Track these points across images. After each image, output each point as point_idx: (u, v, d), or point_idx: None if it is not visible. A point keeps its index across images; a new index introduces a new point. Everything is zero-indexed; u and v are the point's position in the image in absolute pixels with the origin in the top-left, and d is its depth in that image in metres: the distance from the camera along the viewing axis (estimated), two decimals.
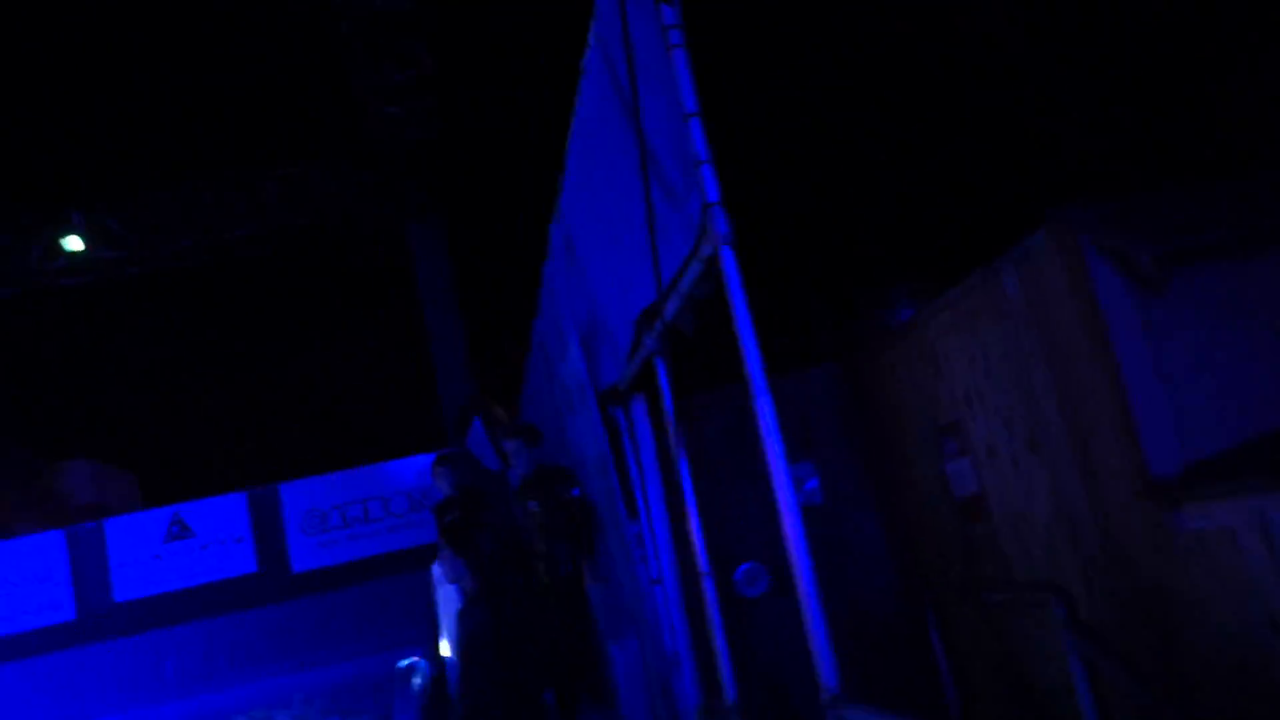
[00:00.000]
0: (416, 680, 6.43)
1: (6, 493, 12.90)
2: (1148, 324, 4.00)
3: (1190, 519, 3.83)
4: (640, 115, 3.81)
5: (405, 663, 7.02)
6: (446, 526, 5.95)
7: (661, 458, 4.94)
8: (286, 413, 12.78)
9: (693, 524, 4.46)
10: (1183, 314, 4.11)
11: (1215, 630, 3.75)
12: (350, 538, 11.25)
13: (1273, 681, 3.56)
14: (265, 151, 12.17)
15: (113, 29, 11.85)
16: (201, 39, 12.17)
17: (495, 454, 6.55)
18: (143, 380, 13.16)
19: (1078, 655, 4.31)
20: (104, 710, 10.01)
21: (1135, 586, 4.08)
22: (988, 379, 4.64)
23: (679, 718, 4.83)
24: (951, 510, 5.09)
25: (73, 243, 11.57)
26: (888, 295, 5.36)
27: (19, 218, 11.33)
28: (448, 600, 6.58)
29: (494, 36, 11.91)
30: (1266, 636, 3.56)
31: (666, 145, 3.62)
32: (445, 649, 6.70)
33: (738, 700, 4.19)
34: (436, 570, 5.76)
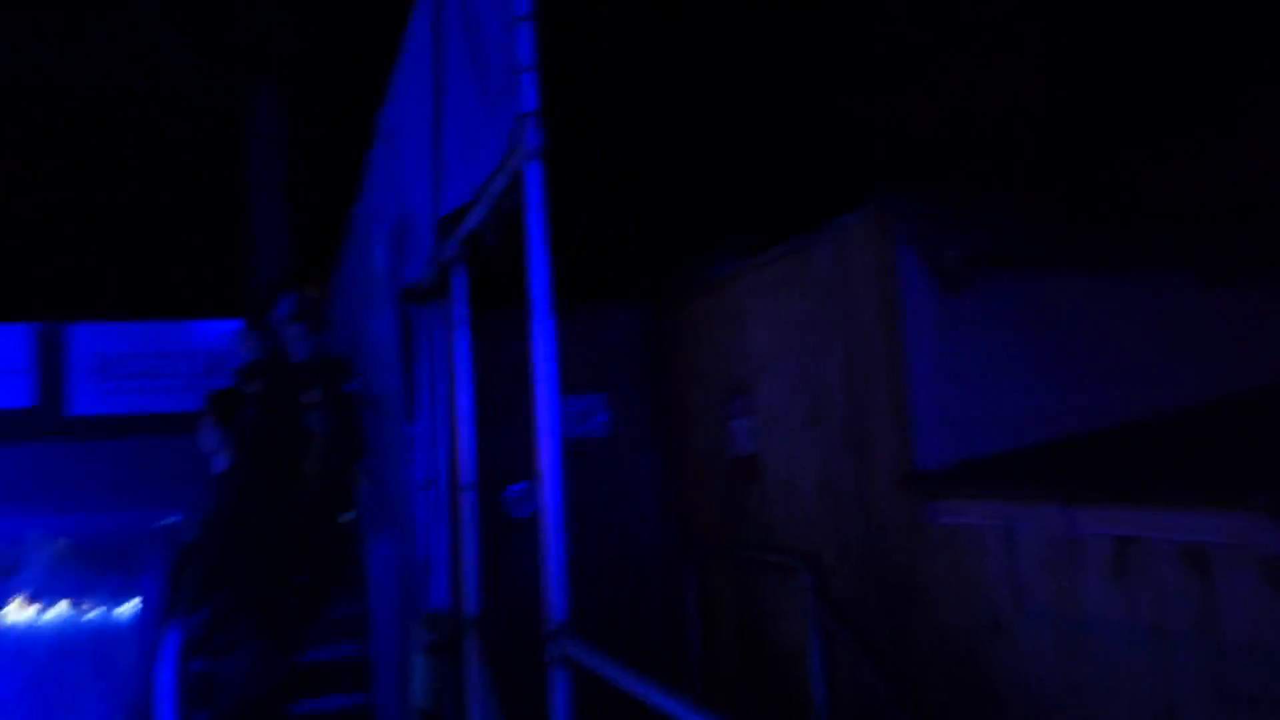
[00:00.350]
0: (174, 541, 6.19)
1: None
2: (943, 320, 4.06)
3: (944, 513, 3.94)
4: (476, 10, 3.61)
5: (166, 522, 6.75)
6: (219, 394, 5.69)
7: (450, 366, 4.80)
8: (91, 254, 12.08)
9: (464, 435, 4.36)
10: (979, 316, 4.18)
11: (946, 622, 3.88)
12: (137, 390, 10.77)
13: (985, 680, 3.71)
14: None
15: None
16: None
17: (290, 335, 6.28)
18: None
19: (818, 625, 4.43)
20: None
21: (886, 569, 4.18)
22: (783, 346, 4.66)
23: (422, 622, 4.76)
24: (727, 468, 5.13)
25: None
26: (707, 246, 5.32)
27: None
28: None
29: None
30: (987, 637, 3.71)
31: (497, 45, 3.45)
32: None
33: (478, 615, 4.14)
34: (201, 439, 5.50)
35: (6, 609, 7.70)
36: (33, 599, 7.83)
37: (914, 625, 4.06)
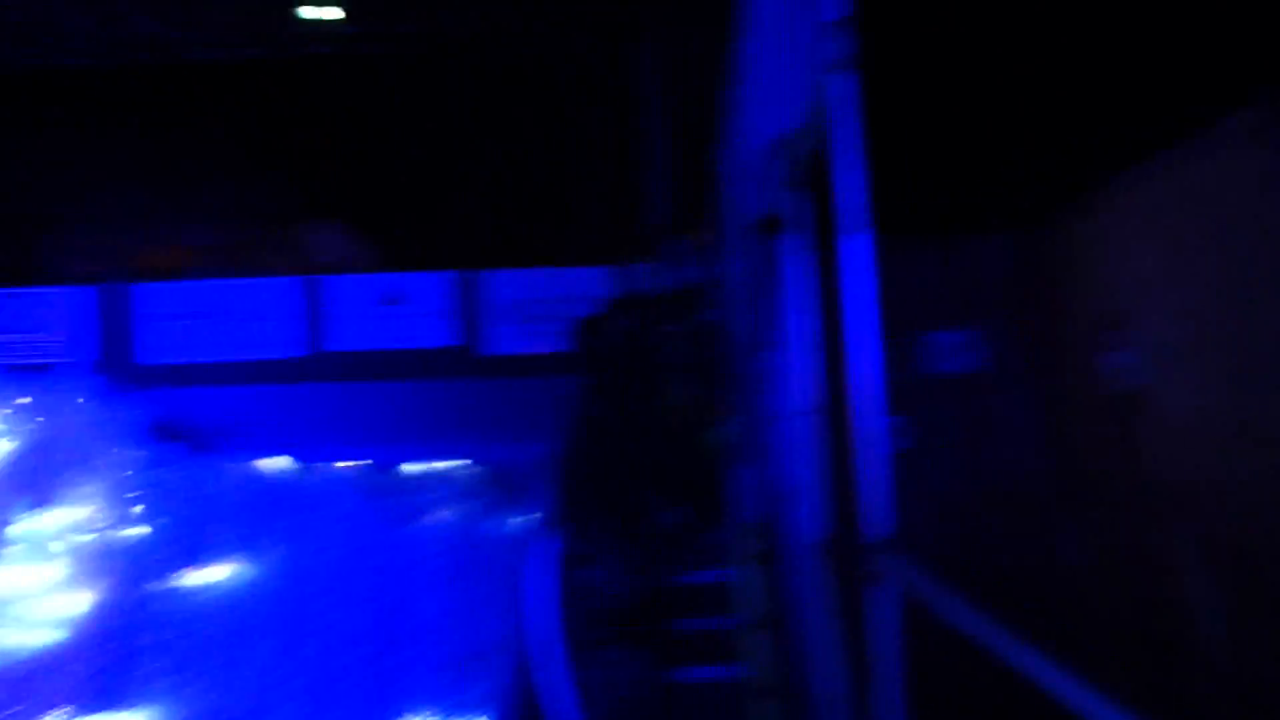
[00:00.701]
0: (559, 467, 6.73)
1: (256, 241, 13.96)
2: None
3: None
4: None
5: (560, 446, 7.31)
6: (586, 322, 6.04)
7: (796, 296, 4.75)
8: (503, 201, 13.18)
9: (813, 364, 4.31)
10: None
11: None
12: (547, 332, 11.60)
13: None
14: None
15: None
16: None
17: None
18: (397, 152, 13.80)
19: (1211, 575, 3.98)
20: (319, 440, 10.81)
21: None
22: (1166, 271, 4.18)
23: (788, 551, 4.80)
24: (1108, 404, 4.71)
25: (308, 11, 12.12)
26: (1075, 167, 4.86)
27: None
28: None
29: None
30: None
31: None
32: None
33: (824, 539, 4.10)
34: None
35: (423, 522, 8.69)
36: (444, 517, 8.79)
37: None
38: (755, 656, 5.20)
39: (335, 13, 12.25)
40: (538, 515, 6.61)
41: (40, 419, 9.44)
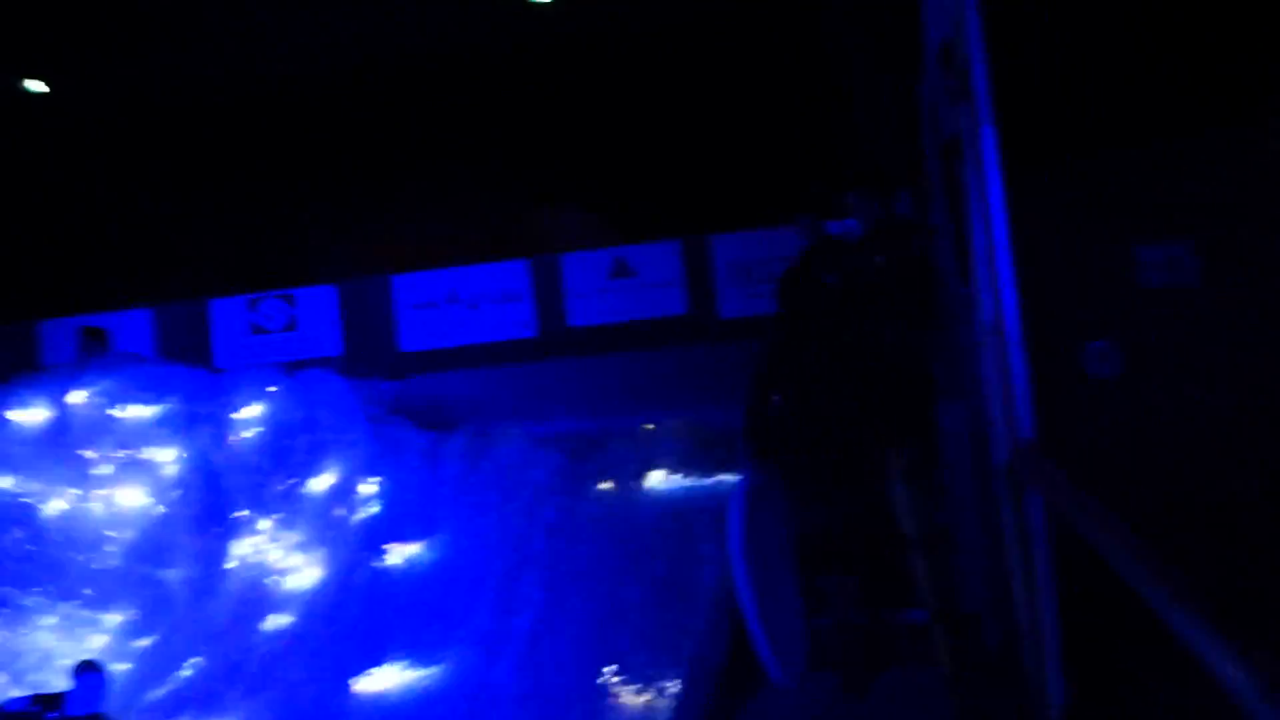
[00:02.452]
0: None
1: (490, 227, 14.63)
2: None
3: None
4: None
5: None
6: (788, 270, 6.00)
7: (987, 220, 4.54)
8: (718, 165, 13.16)
9: (1005, 292, 4.11)
10: None
11: None
12: (770, 292, 11.57)
13: None
14: None
15: None
16: None
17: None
18: (617, 128, 14.11)
19: None
20: (555, 415, 11.22)
21: None
22: None
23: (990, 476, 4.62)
24: None
25: None
26: None
27: None
28: None
29: None
30: None
31: None
32: None
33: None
34: None
35: (649, 478, 8.90)
36: (666, 472, 8.96)
37: None
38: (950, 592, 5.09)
39: None
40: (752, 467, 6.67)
41: (294, 405, 10.36)
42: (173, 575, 9.37)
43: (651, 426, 9.77)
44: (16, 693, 7.82)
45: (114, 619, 9.25)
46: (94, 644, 8.87)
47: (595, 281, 12.31)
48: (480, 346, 12.48)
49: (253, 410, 10.37)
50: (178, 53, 13.47)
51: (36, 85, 13.79)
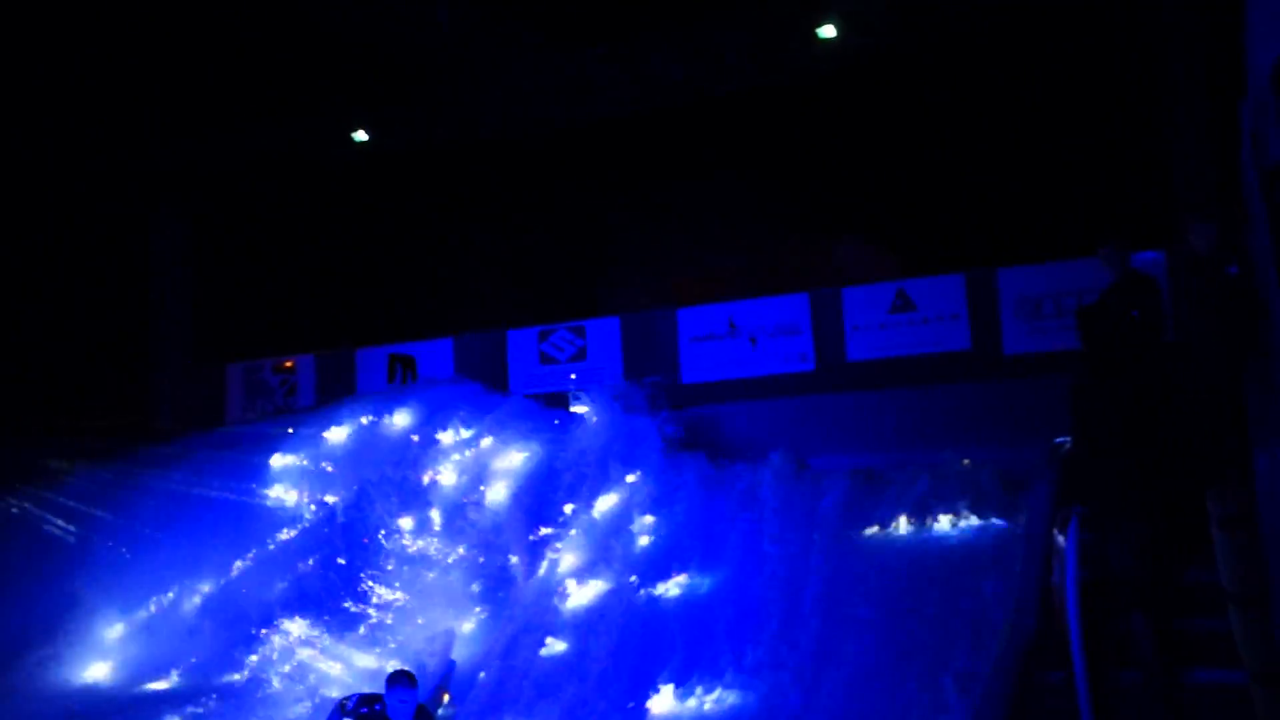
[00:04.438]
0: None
1: (771, 261, 14.80)
2: None
3: None
4: None
5: (1060, 440, 7.03)
6: (1084, 309, 5.78)
7: None
8: (1004, 196, 12.73)
9: None
10: None
11: None
12: (1061, 328, 11.06)
13: None
14: None
15: None
16: None
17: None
18: (899, 166, 13.97)
19: None
20: (829, 449, 11.18)
21: None
22: None
23: None
24: None
25: (826, 30, 12.49)
26: None
27: (775, 6, 12.43)
28: None
29: None
30: None
31: None
32: None
33: None
34: None
35: (929, 515, 8.67)
36: (947, 508, 8.71)
37: None
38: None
39: (831, 30, 12.61)
40: (1036, 503, 6.42)
41: (583, 433, 10.86)
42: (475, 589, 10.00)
43: (933, 464, 9.53)
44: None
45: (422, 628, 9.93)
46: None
47: (876, 315, 12.18)
48: (759, 379, 12.61)
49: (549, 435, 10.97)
50: (481, 98, 14.46)
51: (360, 135, 15.13)
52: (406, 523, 10.82)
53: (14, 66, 13.23)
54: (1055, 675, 5.99)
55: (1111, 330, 5.82)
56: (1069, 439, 6.38)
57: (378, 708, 7.74)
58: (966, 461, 9.19)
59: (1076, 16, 12.18)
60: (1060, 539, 5.37)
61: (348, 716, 7.80)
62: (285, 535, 11.17)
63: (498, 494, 10.66)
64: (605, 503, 10.23)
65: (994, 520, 8.30)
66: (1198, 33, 11.09)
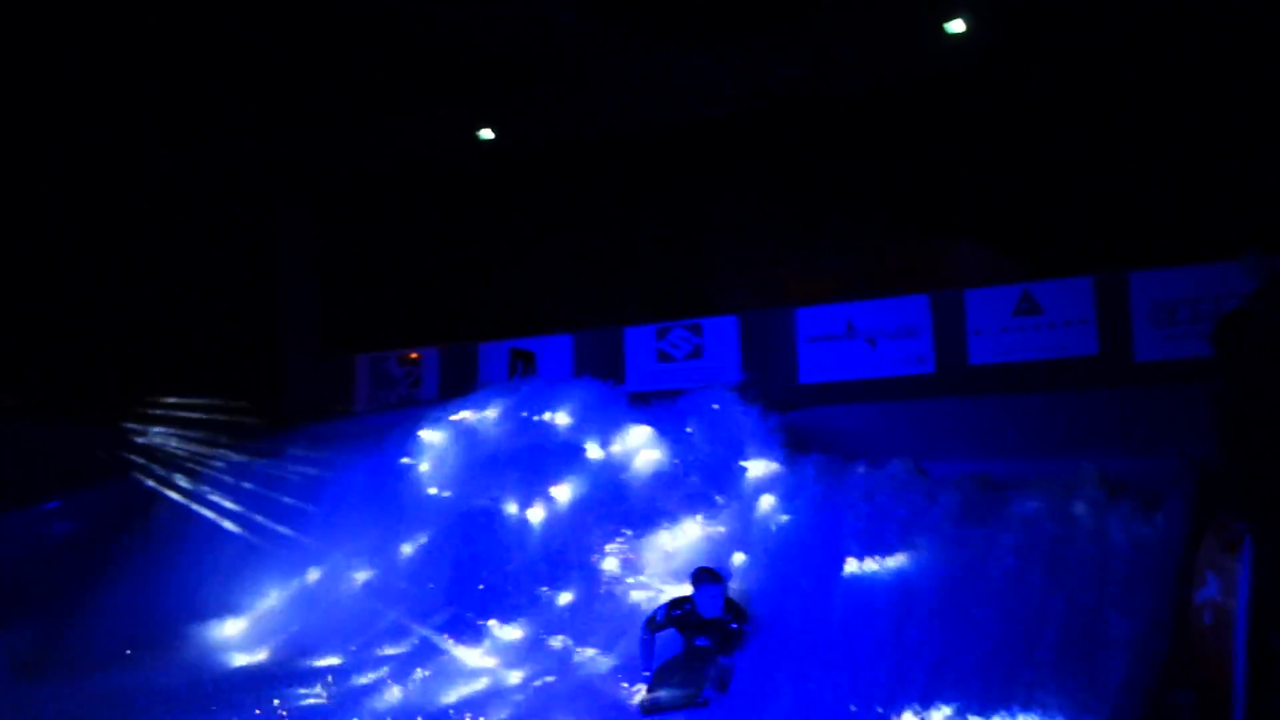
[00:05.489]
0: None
1: (892, 261, 14.62)
2: None
3: None
4: None
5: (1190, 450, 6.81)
6: (1226, 317, 5.58)
7: None
8: (1137, 196, 12.32)
9: None
10: None
11: None
12: (1198, 335, 10.64)
13: None
14: None
15: None
16: None
17: None
18: (1026, 164, 13.66)
19: None
20: (947, 456, 10.98)
21: None
22: None
23: None
24: None
25: (955, 25, 12.28)
26: None
27: (908, 3, 12.25)
28: None
29: None
30: None
31: None
32: None
33: None
34: None
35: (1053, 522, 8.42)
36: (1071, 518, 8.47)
37: None
38: None
39: (959, 25, 12.38)
40: (1171, 517, 6.22)
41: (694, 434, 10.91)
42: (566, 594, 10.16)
43: (1057, 472, 9.29)
44: None
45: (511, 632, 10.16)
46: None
47: (999, 318, 11.92)
48: (877, 381, 12.47)
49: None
50: (602, 96, 14.60)
51: (487, 133, 15.44)
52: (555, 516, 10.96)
53: (149, 74, 13.84)
54: (1185, 695, 5.83)
55: (1257, 340, 5.60)
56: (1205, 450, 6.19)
57: (688, 607, 8.16)
58: (1098, 469, 8.91)
59: (1223, 6, 11.73)
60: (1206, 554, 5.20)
61: (661, 627, 8.30)
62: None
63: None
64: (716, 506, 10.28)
65: (1122, 532, 8.06)
66: None
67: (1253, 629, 5.14)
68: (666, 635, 8.65)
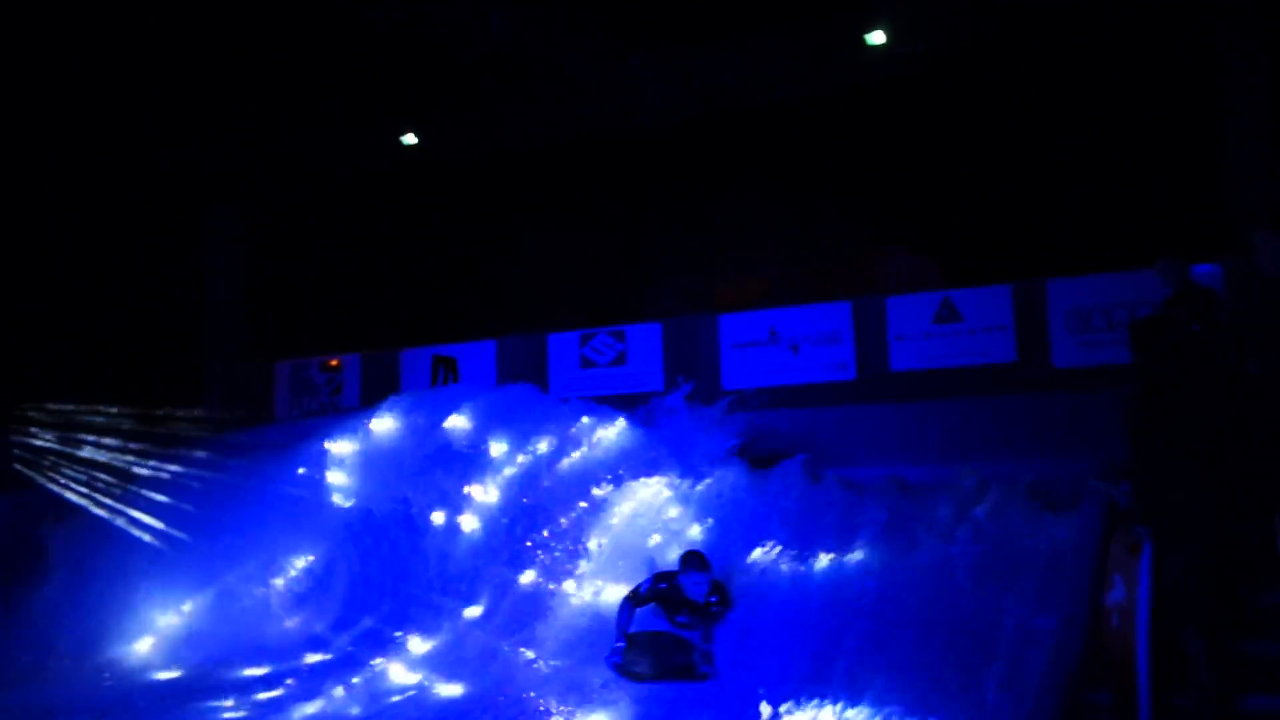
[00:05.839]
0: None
1: (814, 269, 14.73)
2: None
3: None
4: None
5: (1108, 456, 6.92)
6: (1140, 322, 5.69)
7: None
8: (1053, 205, 12.57)
9: None
10: None
11: None
12: (1113, 341, 10.90)
13: None
14: None
15: None
16: None
17: None
18: (947, 174, 13.83)
19: None
20: (871, 460, 11.07)
21: None
22: None
23: None
24: None
25: (875, 37, 12.44)
26: None
27: (829, 15, 12.38)
28: None
29: None
30: None
31: None
32: None
33: None
34: None
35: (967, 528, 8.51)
36: (984, 523, 8.57)
37: None
38: None
39: (880, 37, 12.55)
40: (1086, 516, 6.34)
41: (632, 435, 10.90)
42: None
43: (975, 477, 9.40)
44: None
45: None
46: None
47: (921, 325, 12.07)
48: (800, 387, 12.54)
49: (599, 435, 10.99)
50: (529, 103, 14.53)
51: (409, 138, 15.27)
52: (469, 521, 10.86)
53: (75, 73, 13.51)
54: (1102, 696, 5.92)
55: (1171, 344, 5.73)
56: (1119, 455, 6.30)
57: (673, 584, 8.49)
58: (1014, 474, 9.04)
59: (1131, 20, 12.02)
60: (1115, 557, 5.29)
61: (644, 601, 8.24)
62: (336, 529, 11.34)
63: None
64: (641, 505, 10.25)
65: (1037, 535, 8.17)
66: (1255, 33, 10.93)
67: (1154, 630, 5.23)
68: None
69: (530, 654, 9.25)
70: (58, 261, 16.04)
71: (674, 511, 10.00)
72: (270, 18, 12.70)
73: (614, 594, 9.24)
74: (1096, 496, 6.71)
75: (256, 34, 13.03)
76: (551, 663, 9.07)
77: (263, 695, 9.31)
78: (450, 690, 9.08)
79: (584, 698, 8.34)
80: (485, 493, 10.95)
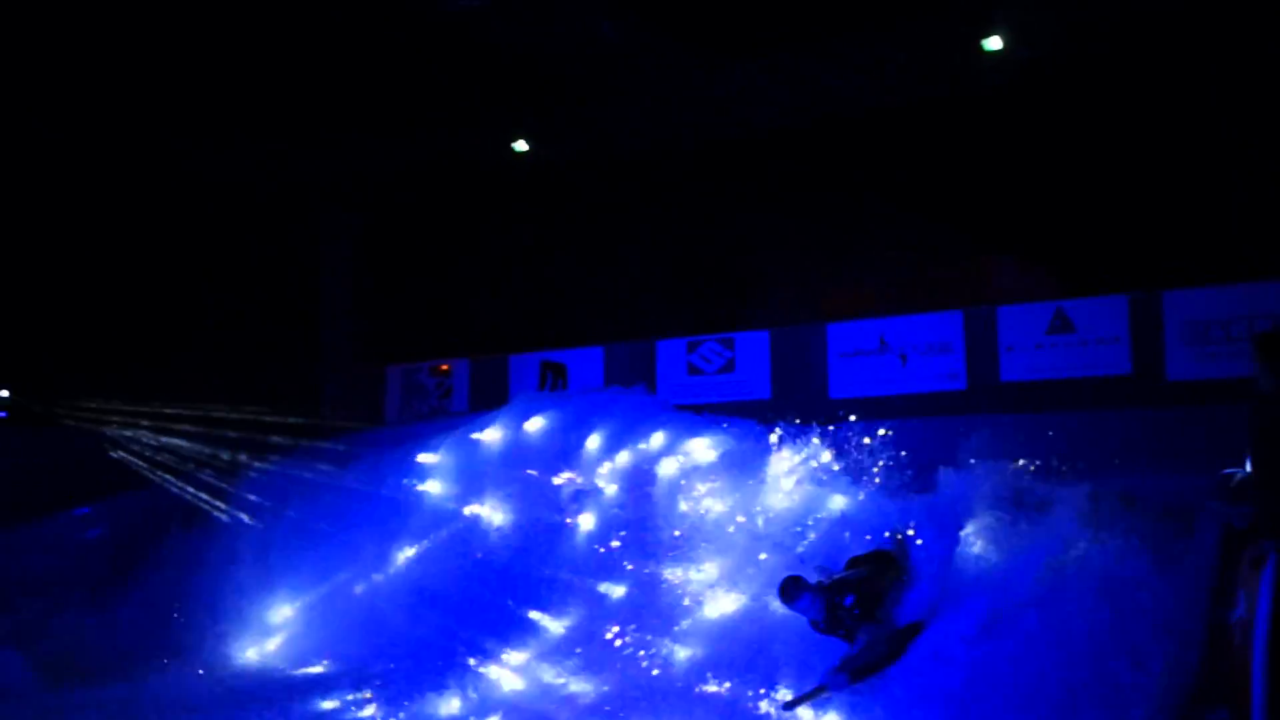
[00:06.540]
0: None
1: (925, 278, 14.58)
2: None
3: None
4: None
5: (1229, 471, 6.75)
6: (1265, 335, 5.58)
7: None
8: (1169, 216, 12.25)
9: None
10: None
11: None
12: (1231, 354, 10.64)
13: None
14: None
15: None
16: None
17: None
18: (1060, 182, 13.57)
19: None
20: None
21: None
22: None
23: None
24: None
25: (993, 43, 12.27)
26: None
27: (946, 21, 12.25)
28: None
29: None
30: None
31: None
32: None
33: None
34: None
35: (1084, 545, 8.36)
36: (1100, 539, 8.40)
37: None
38: None
39: (997, 42, 12.38)
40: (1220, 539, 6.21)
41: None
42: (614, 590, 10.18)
43: (1090, 490, 9.23)
44: None
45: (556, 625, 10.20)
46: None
47: (1032, 336, 11.93)
48: (908, 397, 12.46)
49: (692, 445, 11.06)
50: (641, 110, 14.68)
51: (521, 145, 15.57)
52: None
53: (201, 83, 14.02)
54: (1220, 713, 5.81)
55: None
56: (1239, 469, 6.17)
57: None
58: (1129, 489, 8.86)
59: (1251, 27, 11.69)
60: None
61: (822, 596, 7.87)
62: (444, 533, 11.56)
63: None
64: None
65: (1154, 552, 8.00)
66: None
67: (1272, 645, 5.10)
68: None
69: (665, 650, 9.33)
70: (182, 270, 16.66)
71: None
72: (395, 31, 13.02)
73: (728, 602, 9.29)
74: (1214, 516, 6.56)
75: (372, 42, 13.36)
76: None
77: (389, 690, 9.58)
78: (583, 687, 9.22)
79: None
80: (599, 498, 11.06)
